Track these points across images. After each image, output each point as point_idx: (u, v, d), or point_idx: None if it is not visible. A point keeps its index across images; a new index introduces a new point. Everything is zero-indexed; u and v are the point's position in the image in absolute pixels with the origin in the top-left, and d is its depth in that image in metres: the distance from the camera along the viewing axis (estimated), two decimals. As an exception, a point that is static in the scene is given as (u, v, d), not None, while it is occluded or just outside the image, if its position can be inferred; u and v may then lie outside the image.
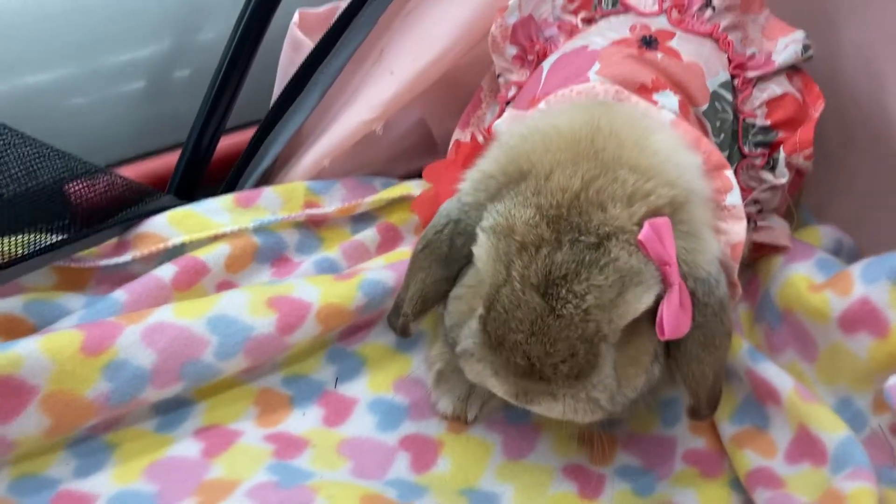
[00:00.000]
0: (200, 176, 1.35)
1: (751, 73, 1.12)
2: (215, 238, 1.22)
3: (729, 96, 1.09)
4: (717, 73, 1.09)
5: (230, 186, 1.34)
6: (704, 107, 1.07)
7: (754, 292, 1.21)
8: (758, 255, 1.20)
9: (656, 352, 0.91)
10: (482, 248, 0.88)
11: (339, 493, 0.96)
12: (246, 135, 1.37)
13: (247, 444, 1.06)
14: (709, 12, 1.12)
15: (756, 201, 1.14)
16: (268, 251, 1.25)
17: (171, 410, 1.09)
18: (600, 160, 0.87)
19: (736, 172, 1.10)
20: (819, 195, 1.33)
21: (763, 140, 1.12)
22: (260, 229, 1.24)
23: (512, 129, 0.97)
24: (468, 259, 0.92)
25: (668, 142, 0.93)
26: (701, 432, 1.13)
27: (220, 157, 1.40)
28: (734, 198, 0.96)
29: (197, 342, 1.06)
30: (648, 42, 1.07)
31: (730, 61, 1.12)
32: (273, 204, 1.28)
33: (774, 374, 1.07)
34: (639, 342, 0.89)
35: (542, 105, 1.03)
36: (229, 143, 1.42)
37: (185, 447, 1.05)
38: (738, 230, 0.95)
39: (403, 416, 1.13)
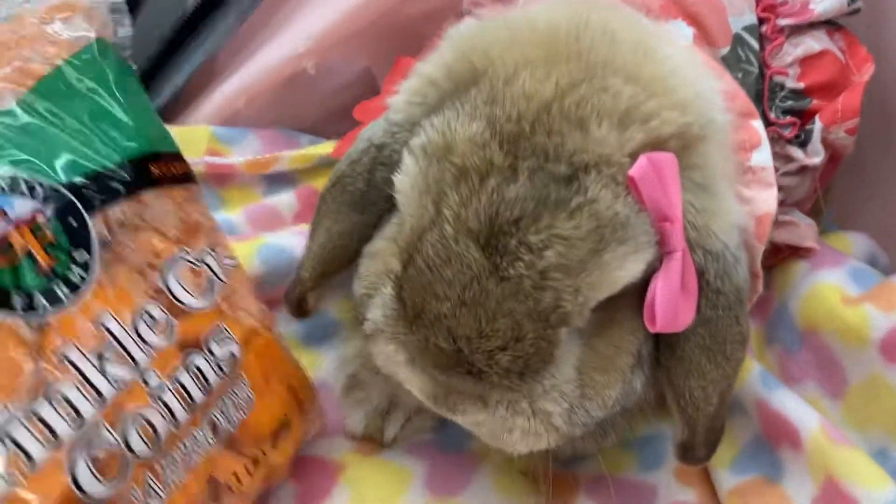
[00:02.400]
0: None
1: (783, 21, 0.90)
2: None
3: (755, 44, 0.88)
4: (741, 13, 0.88)
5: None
6: (725, 50, 0.85)
7: (767, 306, 0.96)
8: (774, 261, 0.95)
9: (640, 354, 0.66)
10: (406, 176, 0.62)
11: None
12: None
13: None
14: (736, -55, 0.90)
15: (779, 187, 0.90)
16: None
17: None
18: (586, 62, 0.63)
19: None
20: (845, 203, 1.10)
21: (794, 106, 0.89)
22: (142, 175, 0.97)
23: (468, 23, 0.73)
24: (392, 200, 0.66)
25: (683, 56, 0.69)
26: (691, 481, 0.87)
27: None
28: (762, 157, 0.73)
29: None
30: (658, -36, 0.84)
31: (757, 2, 0.90)
32: (164, 146, 1.01)
33: (795, 407, 0.82)
34: (616, 336, 0.64)
35: None
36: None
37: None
38: (765, 198, 0.72)
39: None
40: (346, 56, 1.11)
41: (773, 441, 0.84)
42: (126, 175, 0.62)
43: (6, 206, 0.55)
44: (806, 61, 0.90)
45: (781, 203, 0.92)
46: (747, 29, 0.88)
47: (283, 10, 1.08)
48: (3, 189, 0.55)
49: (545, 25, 0.66)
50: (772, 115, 0.89)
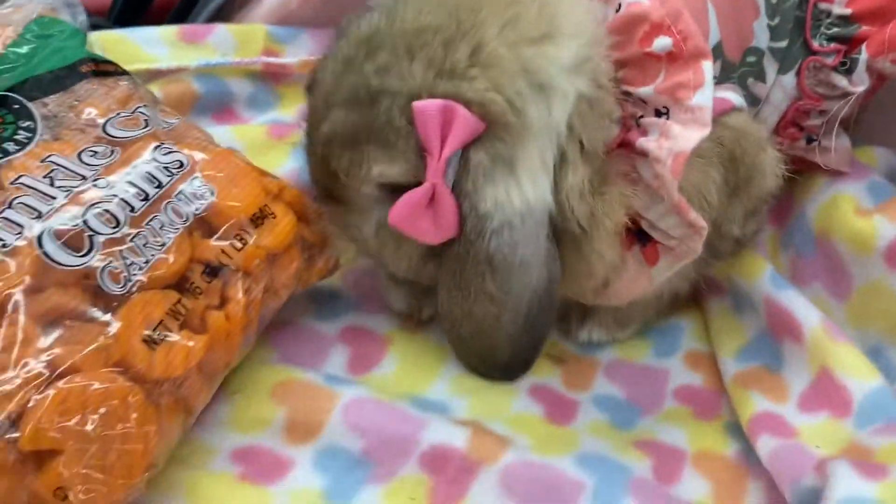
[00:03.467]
0: (145, 8, 1.14)
1: (831, -54, 0.88)
2: (148, 75, 1.01)
3: None
4: None
5: (177, 21, 1.13)
6: None
7: (786, 212, 1.01)
8: (800, 167, 0.98)
9: (435, 250, 0.78)
10: (331, 48, 0.80)
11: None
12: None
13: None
14: None
15: (821, 111, 0.92)
16: (210, 101, 1.05)
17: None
18: (457, 19, 0.73)
19: (800, 72, 0.88)
20: (875, 118, 1.11)
21: (840, 33, 0.88)
22: (203, 73, 1.04)
23: None
24: None
25: (560, 50, 0.74)
26: (699, 368, 0.95)
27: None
28: (704, 97, 0.75)
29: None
30: None
31: None
32: (225, 44, 1.07)
33: (800, 305, 0.89)
34: None
35: None
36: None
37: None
38: (688, 138, 0.73)
39: (347, 306, 0.95)
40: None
41: (777, 335, 0.90)
42: (60, 76, 0.83)
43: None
44: (855, -14, 0.88)
45: (825, 123, 0.92)
46: None
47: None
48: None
49: None
50: (815, 44, 0.88)
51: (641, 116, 0.77)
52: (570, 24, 0.75)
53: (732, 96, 0.82)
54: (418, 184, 0.72)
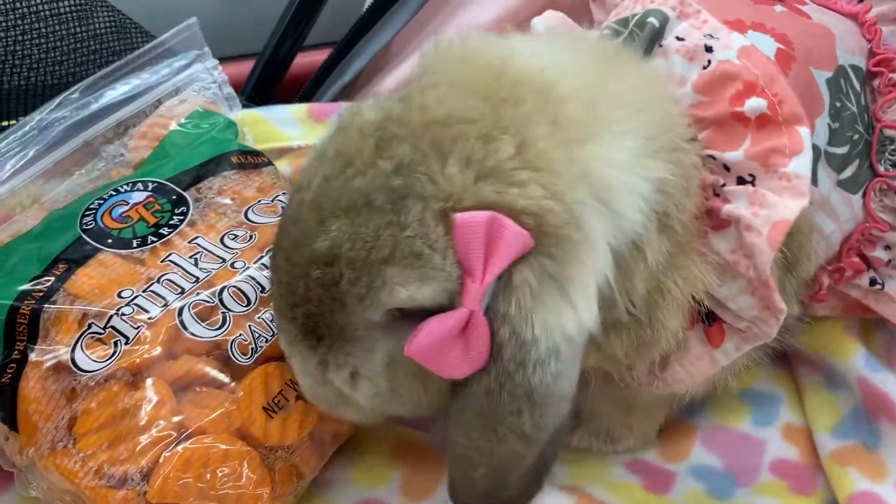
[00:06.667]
0: (276, 86, 1.26)
1: (900, 74, 0.89)
2: (279, 152, 1.12)
3: (857, 85, 0.86)
4: (851, 52, 0.85)
5: (305, 98, 1.24)
6: (828, 75, 0.81)
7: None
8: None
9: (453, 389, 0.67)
10: (325, 136, 0.68)
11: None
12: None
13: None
14: (859, -6, 0.89)
15: (888, 247, 0.87)
16: (333, 174, 1.15)
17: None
18: (495, 109, 0.62)
19: (865, 195, 0.86)
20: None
21: None
22: (329, 148, 1.14)
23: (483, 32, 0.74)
24: None
25: (616, 150, 0.64)
26: (796, 441, 0.98)
27: (300, 73, 1.31)
28: (801, 164, 0.69)
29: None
30: (773, -9, 0.85)
31: (873, 55, 0.86)
32: (348, 122, 1.17)
33: (894, 386, 0.91)
34: None
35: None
36: (312, 60, 1.34)
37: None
38: (788, 207, 0.67)
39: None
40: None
41: (873, 414, 0.92)
42: (212, 165, 0.92)
43: (128, 198, 0.88)
44: (924, 115, 0.87)
45: (888, 263, 0.89)
46: (854, 69, 0.85)
47: (451, 5, 1.18)
48: (127, 189, 0.88)
49: (505, 62, 0.66)
50: (880, 168, 0.86)
51: (723, 185, 0.71)
52: (625, 115, 0.66)
53: None
54: (442, 307, 0.60)
